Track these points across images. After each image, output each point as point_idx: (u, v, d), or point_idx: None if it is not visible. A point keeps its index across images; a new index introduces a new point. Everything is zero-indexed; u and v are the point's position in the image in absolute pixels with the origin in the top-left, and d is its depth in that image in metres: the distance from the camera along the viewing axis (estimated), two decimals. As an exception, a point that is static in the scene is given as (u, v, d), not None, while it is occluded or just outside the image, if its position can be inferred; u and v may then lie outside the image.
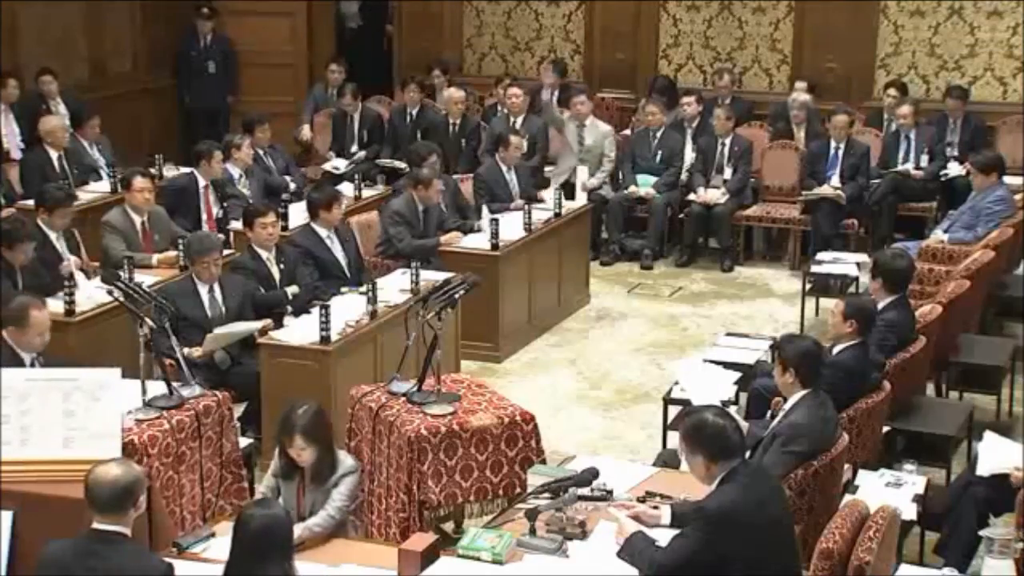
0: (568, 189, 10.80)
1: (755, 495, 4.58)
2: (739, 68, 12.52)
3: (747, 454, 4.91)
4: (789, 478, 5.25)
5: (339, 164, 11.49)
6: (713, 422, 4.69)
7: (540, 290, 9.33)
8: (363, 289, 7.57)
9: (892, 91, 11.49)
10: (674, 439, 6.93)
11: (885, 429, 6.41)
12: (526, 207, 9.32)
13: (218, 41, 13.33)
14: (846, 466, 5.72)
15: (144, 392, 5.99)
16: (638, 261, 10.98)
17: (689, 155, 11.34)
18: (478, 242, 8.96)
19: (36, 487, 5.27)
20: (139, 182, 8.54)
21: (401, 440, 5.88)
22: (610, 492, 5.16)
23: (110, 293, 6.43)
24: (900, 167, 10.92)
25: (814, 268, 9.56)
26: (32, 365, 6.15)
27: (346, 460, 5.41)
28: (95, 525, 4.41)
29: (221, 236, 8.94)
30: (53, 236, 8.10)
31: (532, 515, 4.93)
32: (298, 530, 5.00)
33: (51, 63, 11.62)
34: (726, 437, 4.66)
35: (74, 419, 5.41)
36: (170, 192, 9.49)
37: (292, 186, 10.59)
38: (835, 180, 10.74)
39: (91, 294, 7.47)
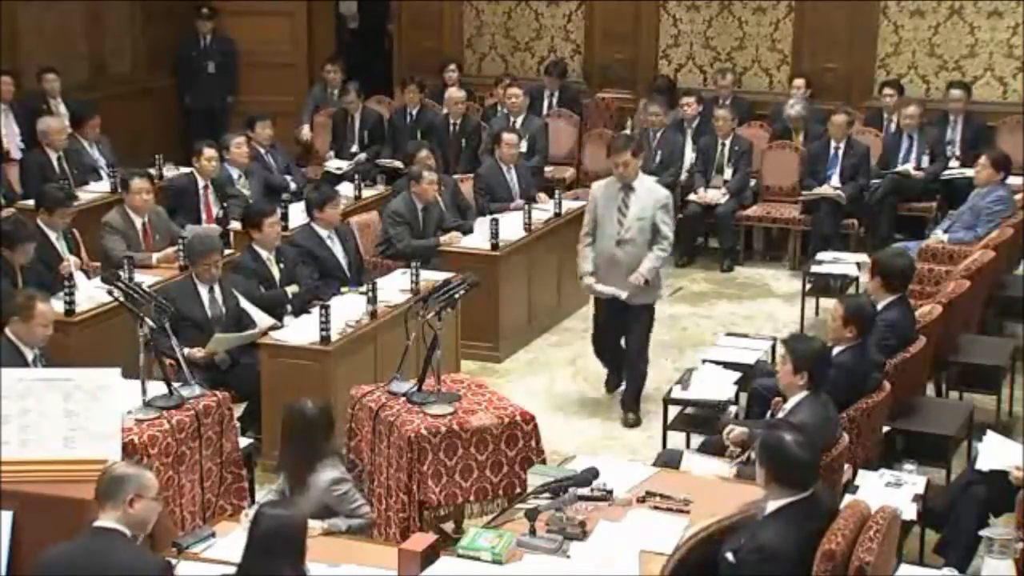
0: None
1: (806, 531, 4.59)
2: (739, 68, 12.50)
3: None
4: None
5: (340, 165, 11.48)
6: (793, 453, 4.65)
7: (540, 290, 9.32)
8: (363, 289, 7.57)
9: (888, 90, 11.50)
10: (674, 439, 6.98)
11: (885, 429, 6.41)
12: (526, 207, 9.32)
13: (218, 41, 13.33)
14: (846, 466, 5.72)
15: (144, 392, 5.98)
16: (638, 261, 10.95)
17: (689, 155, 11.33)
18: (478, 242, 8.95)
19: (36, 487, 5.28)
20: (137, 183, 8.53)
21: (401, 440, 5.88)
22: (610, 492, 5.15)
23: (110, 293, 6.42)
24: (900, 167, 10.92)
25: (814, 268, 9.55)
26: (34, 364, 6.16)
27: (324, 475, 5.37)
28: (96, 523, 4.41)
29: (217, 227, 8.97)
30: (53, 236, 8.11)
31: (532, 515, 4.93)
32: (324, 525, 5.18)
33: (51, 63, 11.61)
34: (798, 470, 4.65)
35: (74, 419, 5.41)
36: (170, 192, 9.50)
37: (292, 186, 10.61)
38: (835, 180, 10.73)
39: (91, 294, 7.47)
